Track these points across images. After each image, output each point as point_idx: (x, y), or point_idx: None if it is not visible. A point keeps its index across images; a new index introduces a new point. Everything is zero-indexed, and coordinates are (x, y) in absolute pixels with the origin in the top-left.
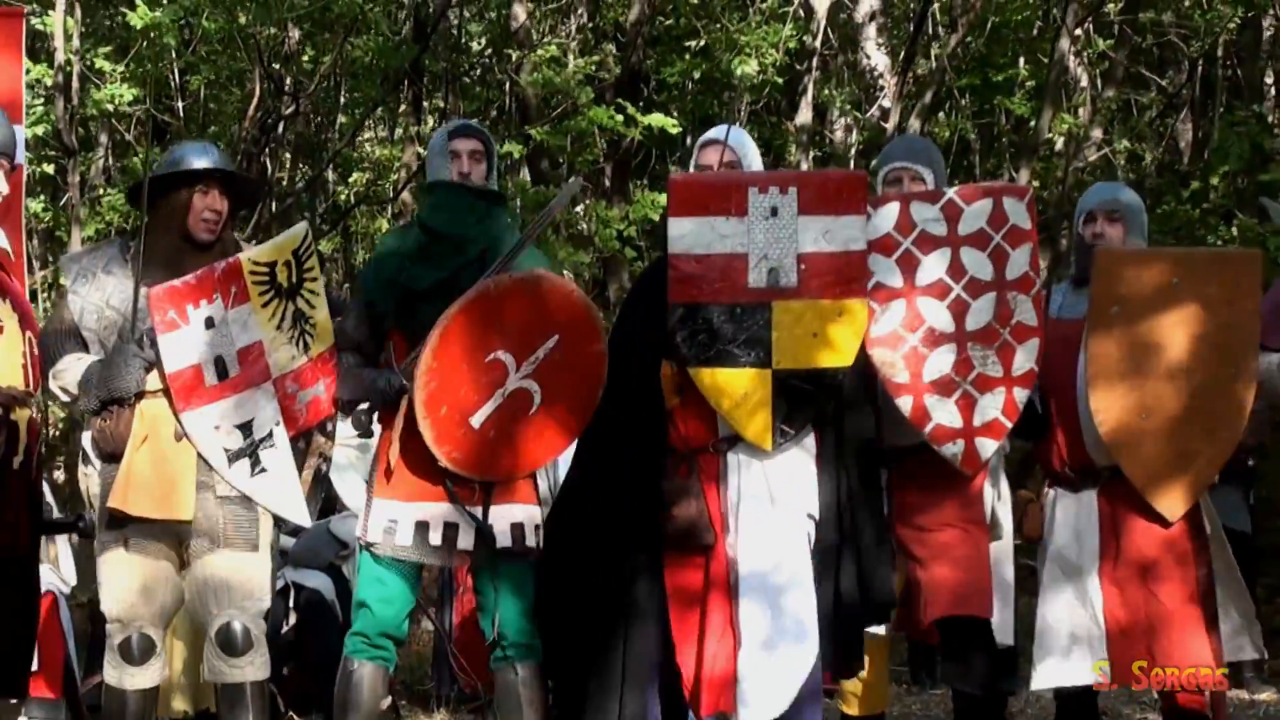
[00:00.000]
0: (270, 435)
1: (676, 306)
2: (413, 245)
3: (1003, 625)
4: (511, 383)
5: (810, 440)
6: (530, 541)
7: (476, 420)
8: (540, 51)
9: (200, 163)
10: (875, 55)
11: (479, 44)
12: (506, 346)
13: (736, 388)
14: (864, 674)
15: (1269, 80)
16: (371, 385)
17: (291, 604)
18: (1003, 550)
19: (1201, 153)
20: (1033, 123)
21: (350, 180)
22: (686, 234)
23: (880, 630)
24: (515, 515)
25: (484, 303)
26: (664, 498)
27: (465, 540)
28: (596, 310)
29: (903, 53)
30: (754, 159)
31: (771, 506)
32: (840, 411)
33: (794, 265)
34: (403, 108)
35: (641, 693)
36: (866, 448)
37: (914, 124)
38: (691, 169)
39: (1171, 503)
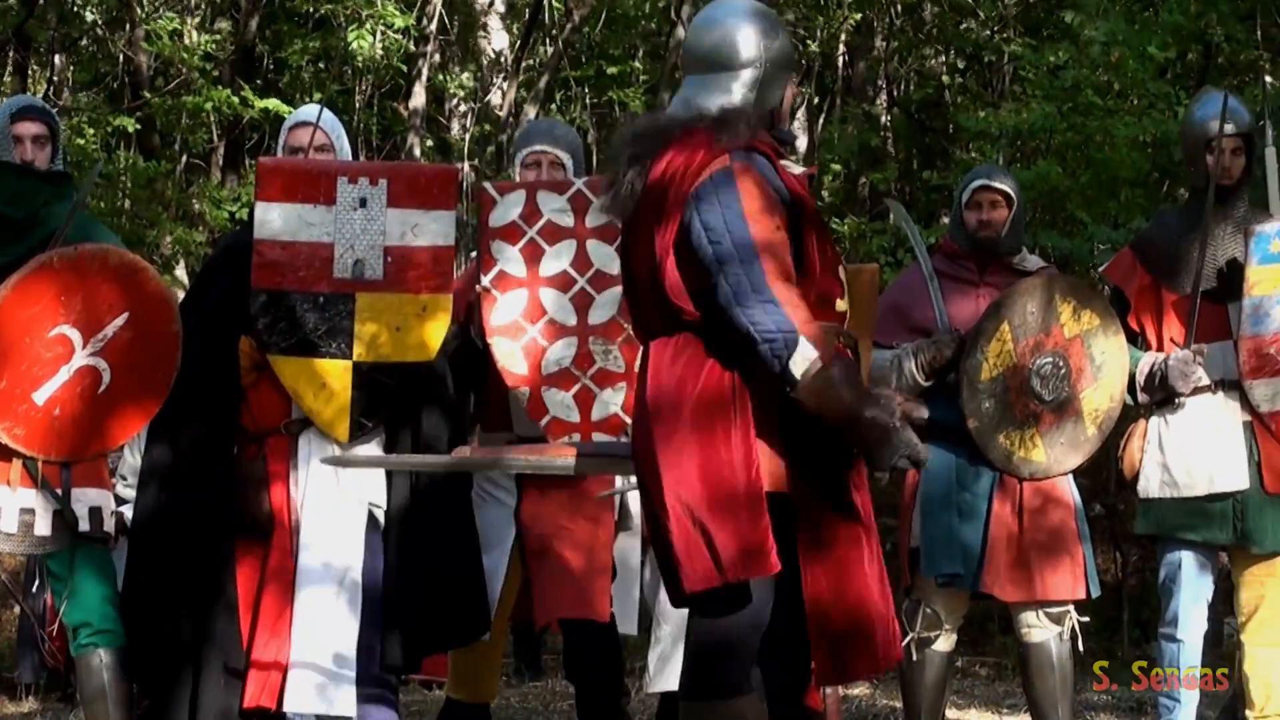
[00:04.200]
0: None
1: (259, 292)
2: None
3: (625, 615)
4: (78, 359)
5: (382, 432)
6: (108, 526)
7: (40, 396)
8: (159, 23)
9: None
10: (498, 40)
11: (92, 13)
12: (72, 322)
13: (316, 378)
14: (476, 663)
15: (881, 82)
16: None
17: None
18: (631, 541)
19: (816, 152)
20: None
21: None
22: (273, 219)
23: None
24: (94, 499)
25: (46, 275)
26: (233, 481)
27: (42, 526)
28: (171, 290)
29: (519, 40)
30: (346, 144)
31: (338, 492)
32: (425, 406)
33: (380, 258)
34: (8, 76)
35: (221, 681)
36: (450, 443)
37: (530, 111)
38: (280, 150)
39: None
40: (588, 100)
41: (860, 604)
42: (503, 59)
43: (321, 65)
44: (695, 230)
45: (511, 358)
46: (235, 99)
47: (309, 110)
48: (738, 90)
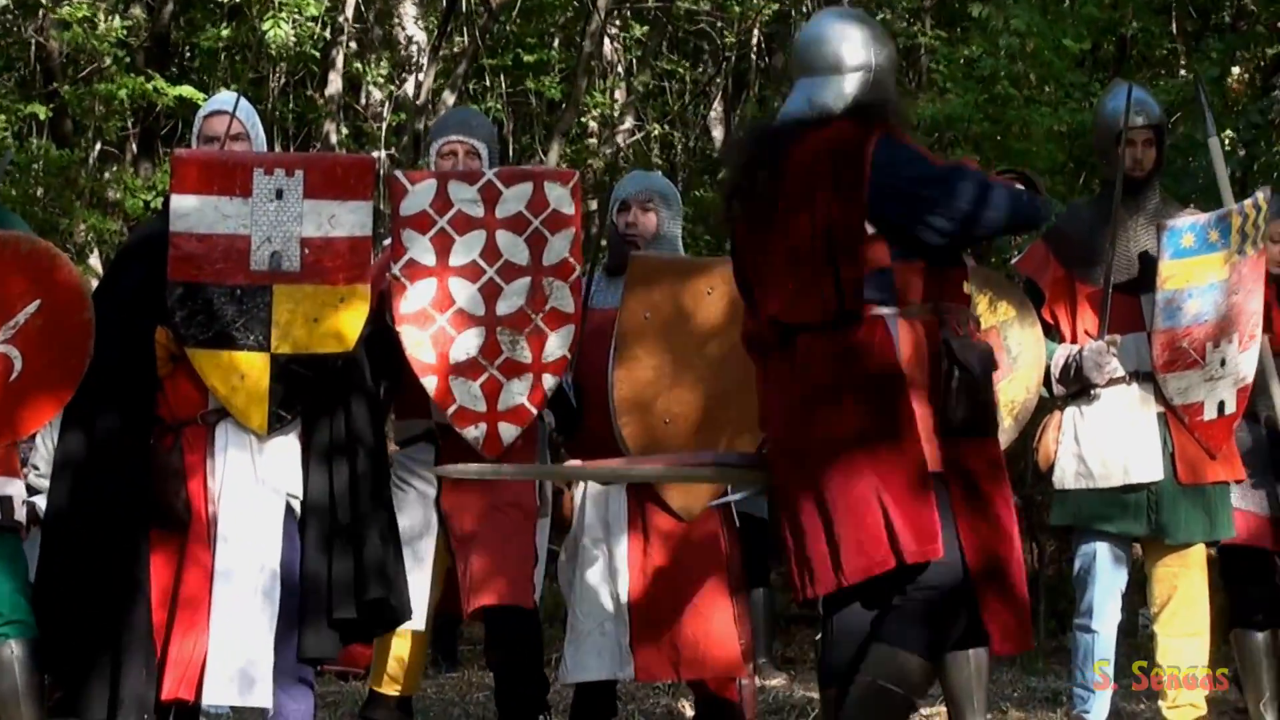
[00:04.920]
0: None
1: (176, 285)
2: None
3: None
4: None
5: (299, 423)
6: (19, 515)
7: None
8: (67, 10)
9: None
10: (412, 28)
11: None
12: None
13: (234, 371)
14: (403, 656)
15: None
16: None
17: None
18: (542, 525)
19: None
20: (564, 105)
21: None
22: (189, 212)
23: (417, 625)
24: (4, 488)
25: None
26: (149, 472)
27: None
28: (84, 278)
29: (436, 29)
30: (261, 132)
31: (256, 484)
32: (342, 397)
33: (297, 249)
34: None
35: (141, 673)
36: (369, 433)
37: (448, 99)
38: (195, 138)
39: (688, 504)
40: (504, 89)
41: (1020, 576)
42: (414, 44)
43: (237, 54)
44: (892, 188)
45: (420, 346)
46: (149, 86)
47: (225, 98)
48: (850, 90)
